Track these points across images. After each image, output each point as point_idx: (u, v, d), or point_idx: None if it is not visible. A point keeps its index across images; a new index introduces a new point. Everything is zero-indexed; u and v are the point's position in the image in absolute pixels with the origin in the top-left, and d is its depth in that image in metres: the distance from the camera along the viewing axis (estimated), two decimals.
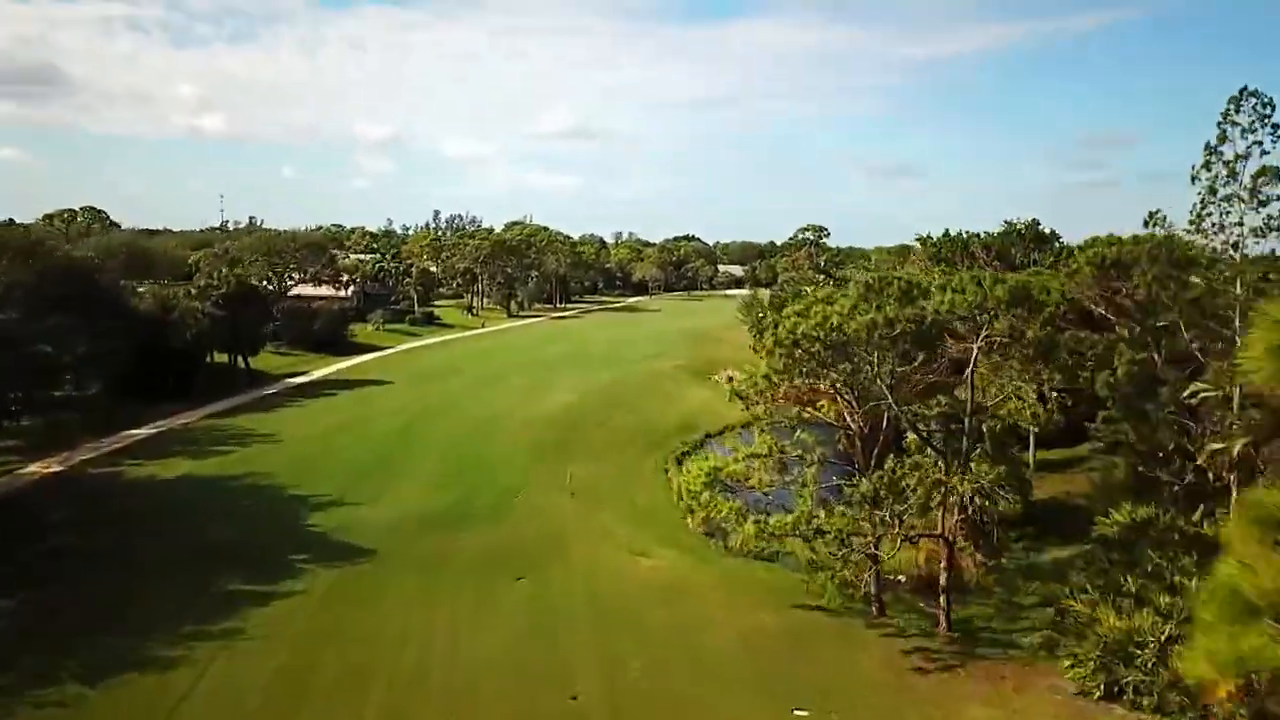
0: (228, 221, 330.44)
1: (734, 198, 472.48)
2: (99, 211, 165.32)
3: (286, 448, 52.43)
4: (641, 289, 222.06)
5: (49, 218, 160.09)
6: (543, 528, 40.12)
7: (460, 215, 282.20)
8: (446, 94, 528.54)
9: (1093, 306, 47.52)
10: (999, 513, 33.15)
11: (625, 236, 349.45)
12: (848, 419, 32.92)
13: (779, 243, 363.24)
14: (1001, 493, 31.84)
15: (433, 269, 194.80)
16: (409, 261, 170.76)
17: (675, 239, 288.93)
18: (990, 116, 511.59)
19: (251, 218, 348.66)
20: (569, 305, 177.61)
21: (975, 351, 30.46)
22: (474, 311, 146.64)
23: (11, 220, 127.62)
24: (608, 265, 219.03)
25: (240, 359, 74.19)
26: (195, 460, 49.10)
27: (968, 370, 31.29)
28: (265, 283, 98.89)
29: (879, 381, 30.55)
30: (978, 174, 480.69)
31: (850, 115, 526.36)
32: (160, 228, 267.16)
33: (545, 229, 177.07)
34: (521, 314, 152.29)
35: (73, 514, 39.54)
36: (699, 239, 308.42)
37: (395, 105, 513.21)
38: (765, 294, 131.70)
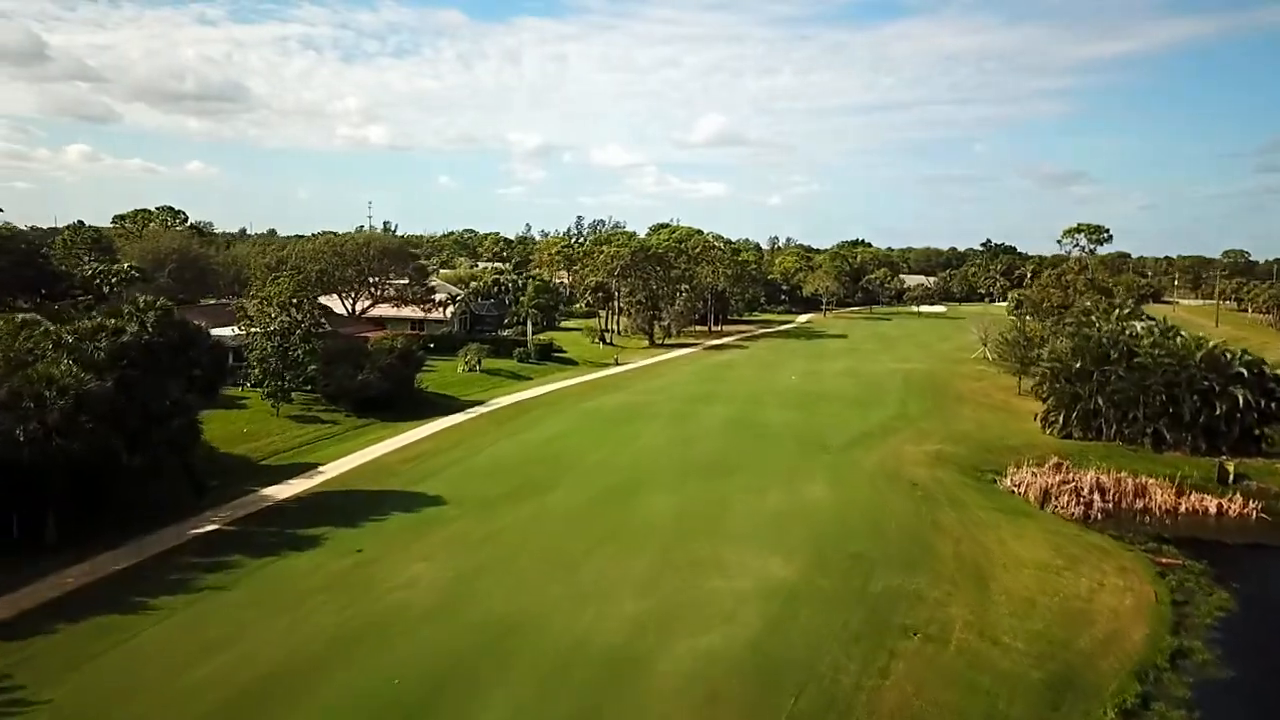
0: (362, 227, 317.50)
1: (890, 203, 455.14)
2: (177, 211, 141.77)
3: None
4: (811, 304, 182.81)
5: (120, 219, 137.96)
6: None
7: (603, 220, 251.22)
8: (600, 103, 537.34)
9: None
10: None
11: (783, 242, 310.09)
12: None
13: (961, 249, 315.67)
14: None
15: (564, 281, 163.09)
16: (530, 273, 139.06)
17: (844, 244, 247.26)
18: (1171, 117, 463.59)
19: (386, 223, 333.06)
20: (727, 326, 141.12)
21: None
22: (606, 339, 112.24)
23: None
24: (770, 276, 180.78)
25: (167, 459, 41.18)
26: None
27: None
28: (300, 307, 66.85)
29: None
30: (1154, 178, 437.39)
31: (1016, 118, 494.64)
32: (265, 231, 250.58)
33: (699, 232, 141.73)
34: (667, 341, 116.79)
35: None
36: (869, 244, 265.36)
37: (549, 115, 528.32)
38: (1012, 316, 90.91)
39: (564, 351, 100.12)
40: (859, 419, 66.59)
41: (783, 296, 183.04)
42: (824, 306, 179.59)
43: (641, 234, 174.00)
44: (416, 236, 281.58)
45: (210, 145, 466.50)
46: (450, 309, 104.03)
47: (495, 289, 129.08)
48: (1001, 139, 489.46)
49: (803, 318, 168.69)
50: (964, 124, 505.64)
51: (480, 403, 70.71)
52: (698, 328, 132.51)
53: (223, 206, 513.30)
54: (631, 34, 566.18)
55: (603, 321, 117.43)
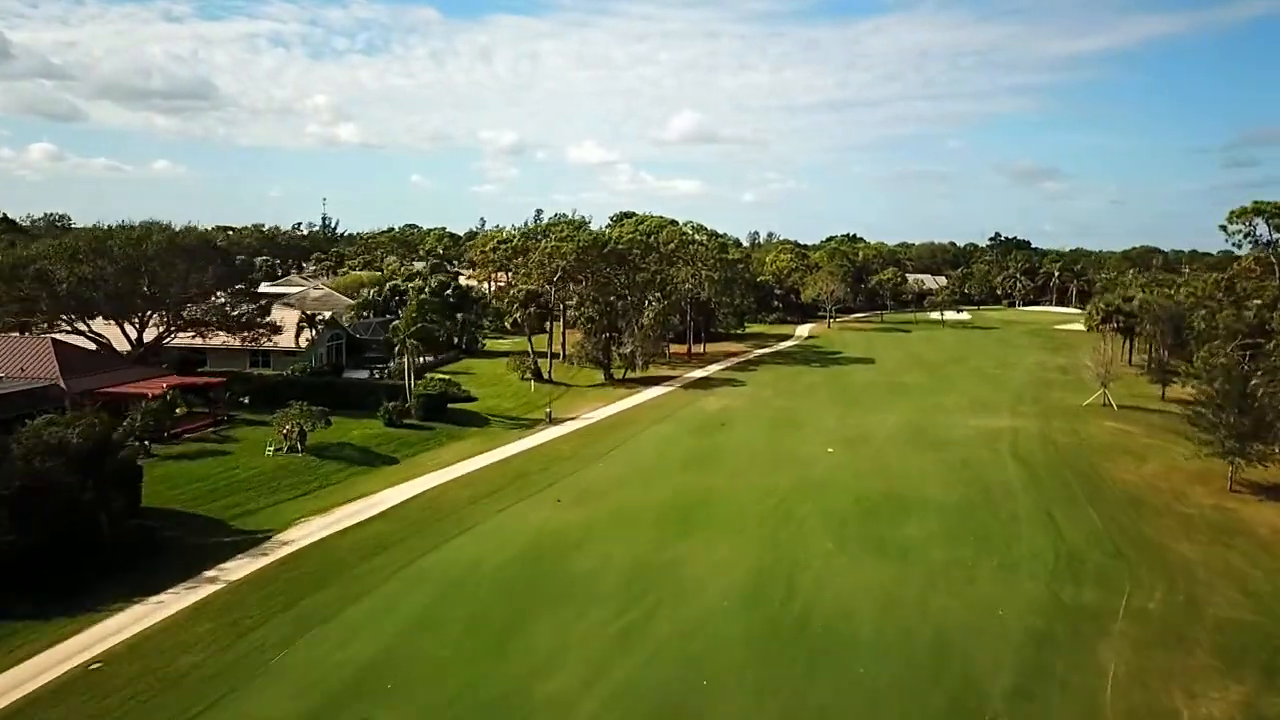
0: (299, 224, 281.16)
1: (864, 200, 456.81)
2: None
3: None
4: (809, 311, 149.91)
5: None
6: None
7: (565, 214, 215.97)
8: (574, 101, 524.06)
9: None
10: None
11: (764, 238, 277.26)
12: None
13: (961, 243, 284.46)
14: None
15: (503, 286, 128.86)
16: (442, 278, 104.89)
17: (842, 239, 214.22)
18: (1141, 113, 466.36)
19: (325, 217, 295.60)
20: (711, 345, 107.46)
21: None
22: (541, 375, 78.05)
23: None
24: (761, 278, 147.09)
25: None
26: None
27: None
28: None
29: None
30: (1123, 173, 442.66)
31: (988, 114, 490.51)
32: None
33: (673, 222, 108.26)
34: (630, 377, 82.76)
35: None
36: (862, 239, 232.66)
37: (522, 112, 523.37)
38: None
39: (472, 399, 66.03)
40: (997, 582, 33.07)
41: (775, 303, 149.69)
42: (827, 314, 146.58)
43: (603, 226, 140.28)
44: (355, 234, 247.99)
45: (178, 143, 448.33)
46: (305, 335, 69.26)
47: (395, 300, 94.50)
48: (975, 135, 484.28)
49: (803, 330, 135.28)
50: (937, 120, 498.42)
51: (265, 536, 36.56)
52: (674, 347, 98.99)
53: (193, 206, 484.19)
54: (607, 30, 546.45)
55: (533, 350, 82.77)
